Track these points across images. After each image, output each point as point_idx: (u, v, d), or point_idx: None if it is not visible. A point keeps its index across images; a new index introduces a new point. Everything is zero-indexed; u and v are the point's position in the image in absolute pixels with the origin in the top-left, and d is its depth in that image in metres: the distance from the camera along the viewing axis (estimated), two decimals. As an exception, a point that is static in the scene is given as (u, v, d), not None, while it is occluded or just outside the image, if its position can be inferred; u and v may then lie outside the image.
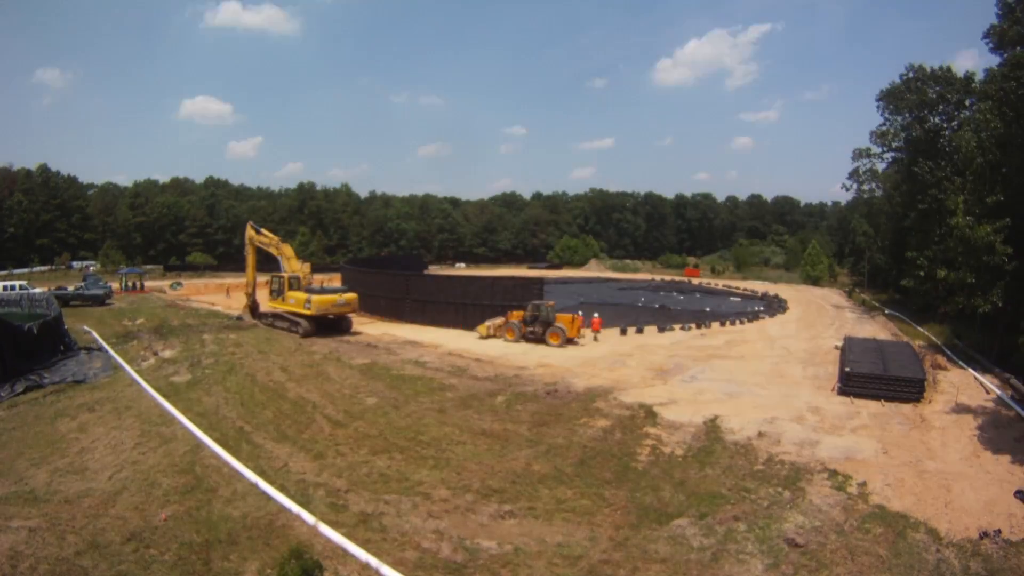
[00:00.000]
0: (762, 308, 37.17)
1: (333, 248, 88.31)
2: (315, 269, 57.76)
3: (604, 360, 21.34)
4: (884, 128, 40.99)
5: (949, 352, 24.07)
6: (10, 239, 73.10)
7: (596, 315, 27.30)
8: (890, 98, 38.42)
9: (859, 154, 48.08)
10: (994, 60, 27.32)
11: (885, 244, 44.81)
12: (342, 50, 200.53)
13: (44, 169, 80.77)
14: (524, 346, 24.05)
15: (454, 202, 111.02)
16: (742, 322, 31.14)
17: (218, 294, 45.65)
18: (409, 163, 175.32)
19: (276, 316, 27.88)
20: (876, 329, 29.89)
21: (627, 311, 35.37)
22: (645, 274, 73.15)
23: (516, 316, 25.31)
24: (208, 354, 21.87)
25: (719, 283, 57.84)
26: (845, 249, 72.26)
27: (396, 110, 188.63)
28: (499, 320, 25.98)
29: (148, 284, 53.29)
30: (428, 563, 8.37)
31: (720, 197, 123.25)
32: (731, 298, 44.74)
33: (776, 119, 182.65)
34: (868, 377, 17.07)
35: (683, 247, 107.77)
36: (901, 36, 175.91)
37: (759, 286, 53.38)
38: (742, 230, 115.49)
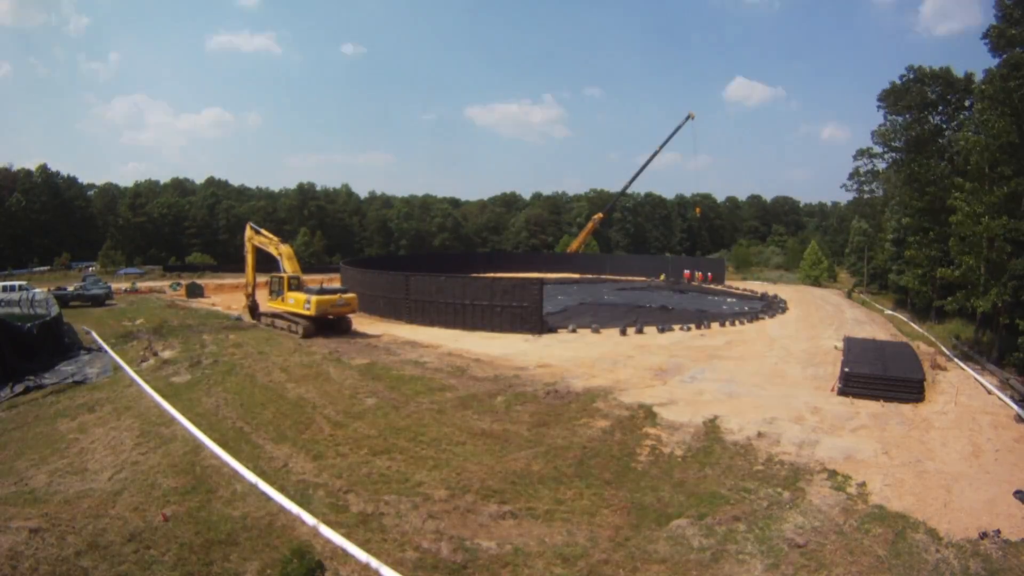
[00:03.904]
0: (762, 308, 37.15)
1: (333, 248, 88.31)
2: (316, 269, 59.00)
3: (604, 360, 21.34)
4: (884, 128, 41.08)
5: (949, 352, 24.08)
6: (10, 239, 73.11)
7: None
8: (890, 98, 38.46)
9: (860, 154, 48.28)
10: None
11: (885, 244, 44.80)
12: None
13: (44, 169, 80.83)
14: (524, 346, 24.06)
15: (454, 202, 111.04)
16: (742, 322, 31.12)
17: (218, 294, 45.65)
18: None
19: (276, 316, 27.89)
20: (876, 329, 29.88)
21: (627, 311, 35.37)
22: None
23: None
24: (208, 355, 21.88)
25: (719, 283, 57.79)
26: (845, 249, 72.19)
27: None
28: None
29: (148, 284, 53.45)
30: (428, 563, 8.38)
31: (720, 197, 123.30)
32: (730, 298, 44.72)
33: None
34: (868, 377, 17.07)
35: (683, 247, 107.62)
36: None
37: (759, 286, 53.29)
38: (742, 230, 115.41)
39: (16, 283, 37.20)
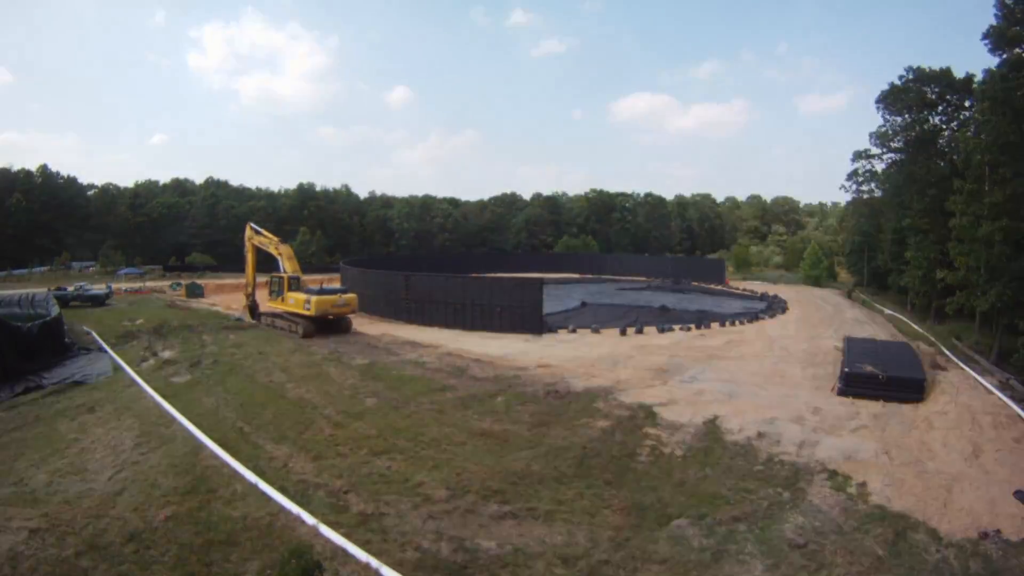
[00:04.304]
0: (762, 308, 37.14)
1: (333, 248, 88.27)
2: (316, 269, 59.01)
3: (604, 361, 21.34)
4: (883, 129, 41.06)
5: (949, 352, 24.06)
6: (9, 240, 73.03)
7: None
8: (889, 99, 38.46)
9: (858, 155, 48.20)
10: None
11: (885, 244, 44.84)
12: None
13: (44, 169, 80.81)
14: (524, 347, 24.06)
15: (454, 202, 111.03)
16: (742, 323, 31.12)
17: (218, 295, 45.61)
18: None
19: (276, 316, 27.88)
20: (876, 329, 29.87)
21: (627, 311, 35.36)
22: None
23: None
24: (208, 355, 21.87)
25: (719, 283, 57.80)
26: (845, 249, 72.21)
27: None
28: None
29: (147, 284, 53.44)
30: (428, 564, 8.37)
31: (719, 197, 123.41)
32: (730, 299, 44.73)
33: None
34: (868, 377, 17.08)
35: (683, 247, 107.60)
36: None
37: (759, 286, 53.32)
38: (742, 230, 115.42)
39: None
